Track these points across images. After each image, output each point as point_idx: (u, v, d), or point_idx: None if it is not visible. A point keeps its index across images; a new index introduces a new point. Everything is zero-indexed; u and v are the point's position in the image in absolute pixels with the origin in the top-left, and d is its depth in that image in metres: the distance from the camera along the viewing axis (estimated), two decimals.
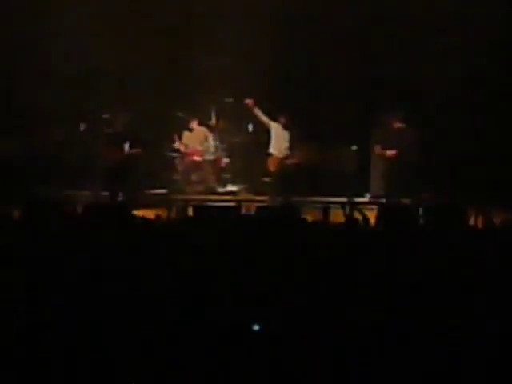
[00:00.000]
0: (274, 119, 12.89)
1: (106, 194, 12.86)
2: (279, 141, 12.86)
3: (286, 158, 12.88)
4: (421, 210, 7.64)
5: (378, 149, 12.69)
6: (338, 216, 7.48)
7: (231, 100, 14.20)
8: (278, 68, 14.14)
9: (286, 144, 12.86)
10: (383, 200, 12.59)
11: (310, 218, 7.46)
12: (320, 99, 14.44)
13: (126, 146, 12.80)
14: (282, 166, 12.87)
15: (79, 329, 4.58)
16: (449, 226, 6.91)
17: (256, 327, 4.59)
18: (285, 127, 12.79)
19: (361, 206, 8.11)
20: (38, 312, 4.75)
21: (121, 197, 12.57)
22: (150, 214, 7.70)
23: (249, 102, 12.63)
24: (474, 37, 13.23)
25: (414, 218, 7.26)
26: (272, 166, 12.97)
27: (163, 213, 7.59)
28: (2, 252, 5.69)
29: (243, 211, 8.39)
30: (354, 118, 14.04)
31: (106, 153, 12.77)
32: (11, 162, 13.61)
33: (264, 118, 12.84)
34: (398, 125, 12.40)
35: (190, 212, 7.70)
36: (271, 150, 12.95)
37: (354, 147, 14.25)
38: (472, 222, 7.17)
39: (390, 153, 12.34)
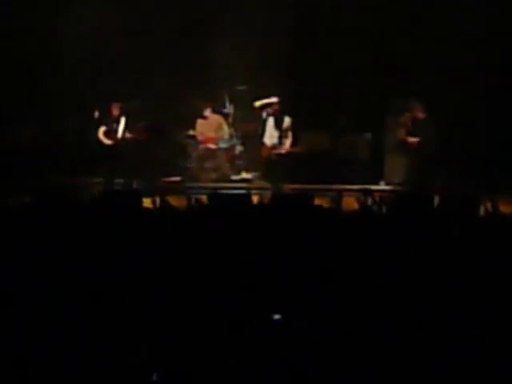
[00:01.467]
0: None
1: (119, 181, 12.95)
2: (271, 130, 12.81)
3: (274, 147, 12.78)
4: (436, 199, 7.60)
5: (402, 133, 12.72)
6: (350, 204, 7.45)
7: (245, 87, 14.16)
8: (291, 54, 14.11)
9: (276, 133, 12.77)
10: (399, 188, 12.60)
11: (324, 206, 7.43)
12: (334, 86, 14.39)
13: (120, 131, 12.91)
14: (270, 154, 12.80)
15: (91, 317, 4.59)
16: (462, 214, 6.88)
17: (277, 317, 4.57)
18: (274, 115, 12.71)
19: (375, 194, 8.07)
20: (52, 300, 4.77)
21: (134, 184, 12.69)
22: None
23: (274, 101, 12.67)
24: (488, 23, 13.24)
25: (429, 207, 7.22)
26: (263, 155, 12.95)
27: (177, 201, 7.57)
28: (15, 241, 5.71)
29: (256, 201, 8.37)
30: (368, 105, 14.01)
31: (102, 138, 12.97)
32: (23, 150, 13.67)
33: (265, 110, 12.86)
34: (421, 114, 12.45)
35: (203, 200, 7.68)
36: (265, 139, 12.92)
37: (369, 134, 14.23)
38: (485, 210, 7.13)
39: (412, 140, 12.43)
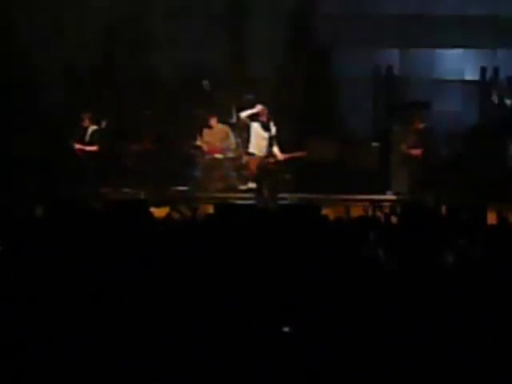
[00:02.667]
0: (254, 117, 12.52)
1: (127, 190, 13.01)
2: (258, 139, 12.38)
3: (266, 156, 12.42)
4: (442, 208, 7.61)
5: (405, 147, 12.71)
6: (357, 213, 7.45)
7: (251, 97, 14.15)
8: (298, 64, 14.13)
9: (265, 142, 12.37)
10: (404, 198, 12.59)
11: (331, 216, 7.43)
12: (341, 95, 14.39)
13: (86, 140, 13.09)
14: (264, 165, 12.38)
15: (96, 326, 4.60)
16: (468, 224, 6.88)
17: (286, 329, 4.56)
18: (264, 124, 12.33)
19: (382, 204, 8.07)
20: (60, 308, 4.77)
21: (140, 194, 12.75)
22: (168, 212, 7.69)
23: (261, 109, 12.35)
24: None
25: (434, 216, 7.22)
26: (253, 167, 12.55)
27: (183, 211, 7.58)
28: (25, 250, 5.73)
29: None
30: (374, 115, 14.02)
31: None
32: (31, 160, 13.71)
33: (247, 119, 12.50)
34: (420, 125, 12.47)
35: (210, 210, 7.70)
36: (251, 149, 12.53)
37: (375, 144, 14.23)
38: (491, 220, 7.15)
39: (415, 152, 12.42)
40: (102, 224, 6.70)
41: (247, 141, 12.55)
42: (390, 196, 13.66)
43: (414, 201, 11.86)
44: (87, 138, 13.05)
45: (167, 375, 4.29)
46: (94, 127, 13.07)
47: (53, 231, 6.26)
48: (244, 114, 12.36)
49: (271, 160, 12.27)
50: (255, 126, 12.33)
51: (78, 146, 13.04)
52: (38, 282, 5.09)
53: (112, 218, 6.95)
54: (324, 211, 7.80)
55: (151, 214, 7.20)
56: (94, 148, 13.05)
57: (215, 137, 14.31)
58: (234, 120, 14.53)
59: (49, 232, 6.24)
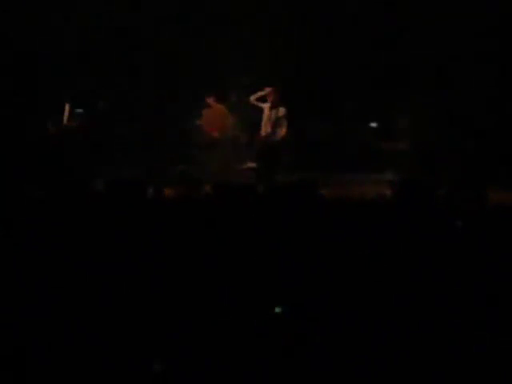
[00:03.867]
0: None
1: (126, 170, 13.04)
2: (266, 121, 12.69)
3: (268, 136, 12.68)
4: (441, 188, 7.63)
5: (385, 144, 13.00)
6: (356, 192, 7.48)
7: (250, 77, 14.18)
8: (297, 43, 14.13)
9: (271, 123, 12.64)
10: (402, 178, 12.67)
11: (328, 195, 7.45)
12: (341, 74, 14.39)
13: (65, 118, 13.11)
14: (265, 144, 12.67)
15: (98, 306, 4.62)
16: (467, 203, 6.91)
17: (278, 309, 4.58)
18: (273, 105, 12.58)
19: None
20: (61, 290, 4.80)
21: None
22: (168, 191, 7.71)
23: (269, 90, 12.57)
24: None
25: (432, 196, 7.24)
26: (257, 147, 12.86)
27: (181, 190, 7.60)
28: (27, 231, 5.75)
29: None
30: (376, 94, 14.03)
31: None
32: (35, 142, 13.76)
33: (260, 103, 12.75)
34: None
35: (208, 190, 7.70)
36: (262, 131, 12.79)
37: (374, 124, 14.26)
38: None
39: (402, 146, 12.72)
40: (100, 205, 6.71)
41: (259, 123, 12.81)
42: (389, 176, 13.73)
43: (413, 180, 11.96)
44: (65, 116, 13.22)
45: (166, 355, 4.32)
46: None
47: (54, 213, 6.28)
48: (253, 98, 12.69)
49: (271, 139, 12.52)
50: (266, 108, 12.67)
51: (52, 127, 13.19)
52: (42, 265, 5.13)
53: (111, 199, 6.97)
54: None
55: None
56: (74, 124, 13.20)
57: (214, 116, 14.31)
58: (233, 99, 14.58)
59: (50, 213, 6.27)
